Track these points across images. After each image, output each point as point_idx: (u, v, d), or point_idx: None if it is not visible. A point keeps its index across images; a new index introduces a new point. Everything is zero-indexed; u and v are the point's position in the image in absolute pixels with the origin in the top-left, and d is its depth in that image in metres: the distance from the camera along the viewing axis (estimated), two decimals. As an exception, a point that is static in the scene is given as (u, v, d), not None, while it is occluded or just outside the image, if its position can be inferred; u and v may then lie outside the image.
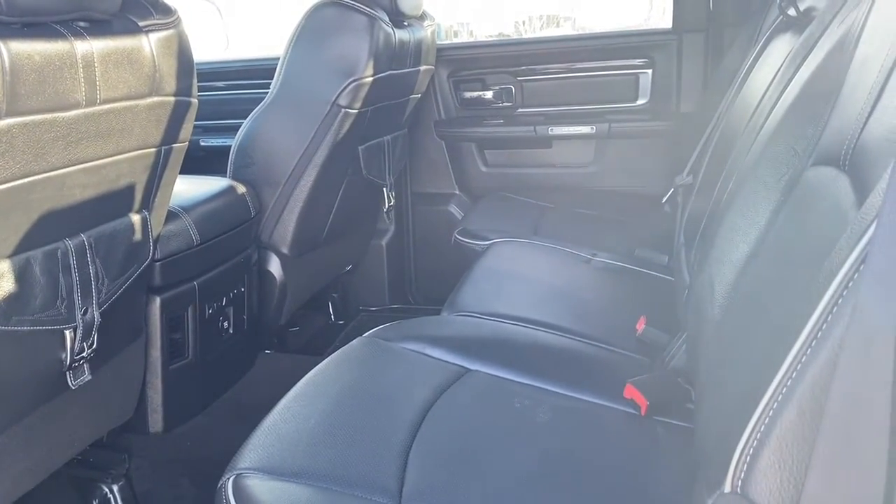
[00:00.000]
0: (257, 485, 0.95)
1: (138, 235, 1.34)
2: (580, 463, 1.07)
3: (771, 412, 0.61)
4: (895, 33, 0.84)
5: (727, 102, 1.69)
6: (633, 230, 2.09)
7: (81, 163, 1.14)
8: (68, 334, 1.20)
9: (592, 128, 2.46)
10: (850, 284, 0.56)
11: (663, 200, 1.84)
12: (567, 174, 2.57)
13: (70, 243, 1.17)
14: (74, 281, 1.18)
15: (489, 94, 2.60)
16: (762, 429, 0.62)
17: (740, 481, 0.63)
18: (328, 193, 2.10)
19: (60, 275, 1.16)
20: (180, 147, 1.42)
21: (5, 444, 1.23)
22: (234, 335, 1.92)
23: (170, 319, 1.67)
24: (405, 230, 2.78)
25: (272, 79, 2.08)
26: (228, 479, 0.96)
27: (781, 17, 1.48)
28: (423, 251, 2.76)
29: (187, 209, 1.68)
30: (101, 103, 1.13)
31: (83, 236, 1.20)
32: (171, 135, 1.35)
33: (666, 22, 2.47)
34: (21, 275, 1.08)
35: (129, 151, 1.24)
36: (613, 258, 1.84)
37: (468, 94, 2.62)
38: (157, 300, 1.62)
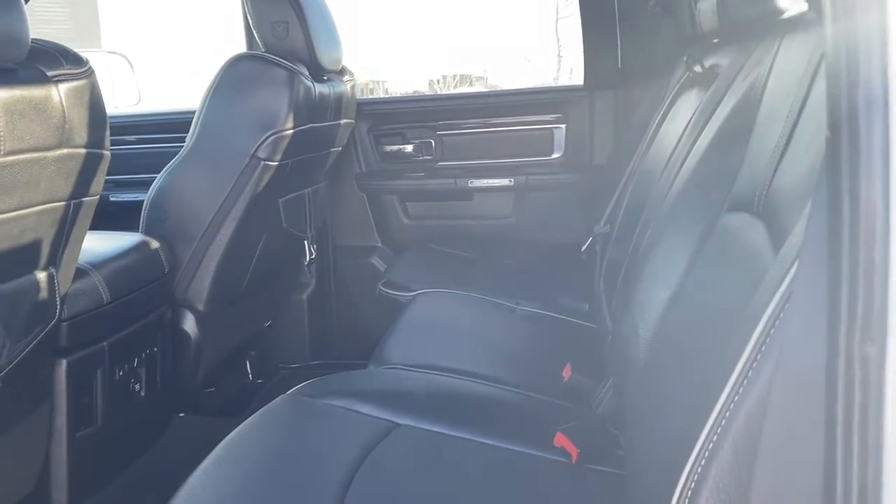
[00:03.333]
0: (176, 557, 0.88)
1: (44, 294, 1.26)
2: (514, 516, 1.06)
3: (707, 452, 0.61)
4: (796, 90, 0.90)
5: (640, 155, 1.76)
6: (554, 279, 2.12)
7: (-18, 217, 1.07)
8: (-37, 402, 1.11)
9: (511, 180, 2.51)
10: (777, 323, 0.58)
11: (582, 249, 1.88)
12: (488, 225, 2.60)
13: (-33, 303, 1.09)
14: (-29, 344, 1.10)
15: (409, 148, 2.62)
16: (699, 469, 0.62)
17: (680, 524, 0.62)
18: (247, 247, 2.05)
19: (-44, 338, 1.07)
20: (91, 201, 1.36)
21: None
22: (147, 398, 1.82)
23: (77, 383, 1.57)
24: (327, 284, 2.74)
25: (186, 132, 2.03)
26: None
27: (688, 73, 1.57)
28: (345, 305, 2.72)
29: (97, 266, 1.60)
30: (4, 155, 1.07)
31: (-18, 296, 1.12)
32: (81, 188, 1.29)
33: (577, 79, 2.57)
34: (-90, 339, 1.00)
35: (35, 205, 1.18)
36: (536, 307, 1.86)
37: (389, 148, 2.64)
38: (64, 363, 1.53)
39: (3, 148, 1.06)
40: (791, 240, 0.63)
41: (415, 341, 1.58)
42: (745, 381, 0.61)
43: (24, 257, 1.22)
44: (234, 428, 1.19)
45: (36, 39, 1.19)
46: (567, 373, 1.45)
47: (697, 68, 1.47)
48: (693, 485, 0.62)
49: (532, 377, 1.47)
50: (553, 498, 1.12)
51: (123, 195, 2.66)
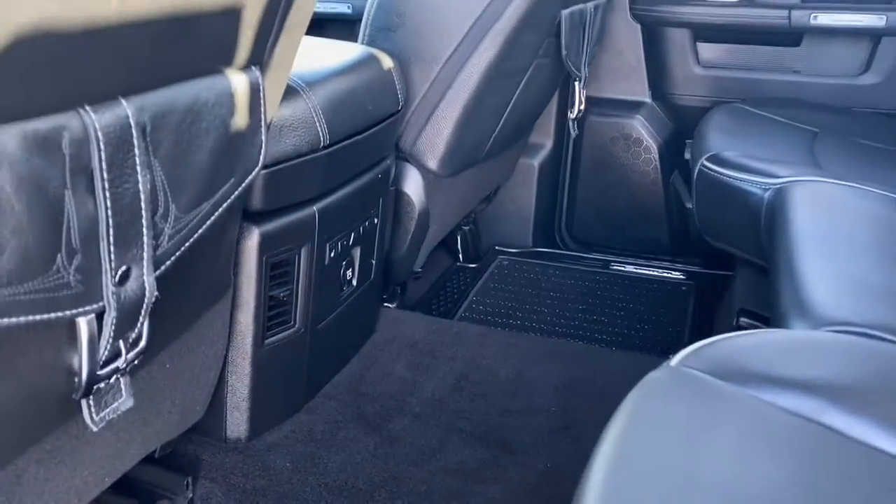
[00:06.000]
0: None
1: (242, 117, 0.65)
2: None
3: None
4: None
5: None
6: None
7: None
8: (83, 327, 0.54)
9: (881, 17, 1.66)
10: None
11: None
12: (824, 86, 1.78)
13: (93, 118, 0.49)
14: (102, 208, 0.51)
15: (716, -40, 1.80)
16: None
17: None
18: (507, 82, 1.38)
19: (69, 194, 0.48)
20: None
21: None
22: (357, 289, 1.26)
23: (272, 266, 1.01)
24: (565, 146, 2.05)
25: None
26: None
27: None
28: (589, 178, 2.03)
29: (313, 84, 0.99)
30: None
31: (125, 104, 0.52)
32: None
33: None
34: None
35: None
36: None
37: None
38: (256, 234, 0.96)
39: None
40: None
41: (851, 279, 0.87)
42: None
43: (207, 43, 0.60)
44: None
45: None
46: None
47: None
48: None
49: None
50: None
51: (321, 4, 2.05)
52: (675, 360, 0.68)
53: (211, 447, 1.09)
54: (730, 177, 1.26)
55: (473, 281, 1.88)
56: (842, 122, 1.64)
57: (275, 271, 1.02)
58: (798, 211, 1.05)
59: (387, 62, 1.18)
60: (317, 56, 1.10)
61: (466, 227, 1.98)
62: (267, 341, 1.06)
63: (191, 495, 1.02)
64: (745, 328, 1.11)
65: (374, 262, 1.29)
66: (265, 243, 0.98)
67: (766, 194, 1.17)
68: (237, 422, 1.08)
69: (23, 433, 0.61)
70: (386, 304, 1.56)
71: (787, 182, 1.17)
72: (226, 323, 0.97)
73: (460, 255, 1.98)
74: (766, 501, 0.52)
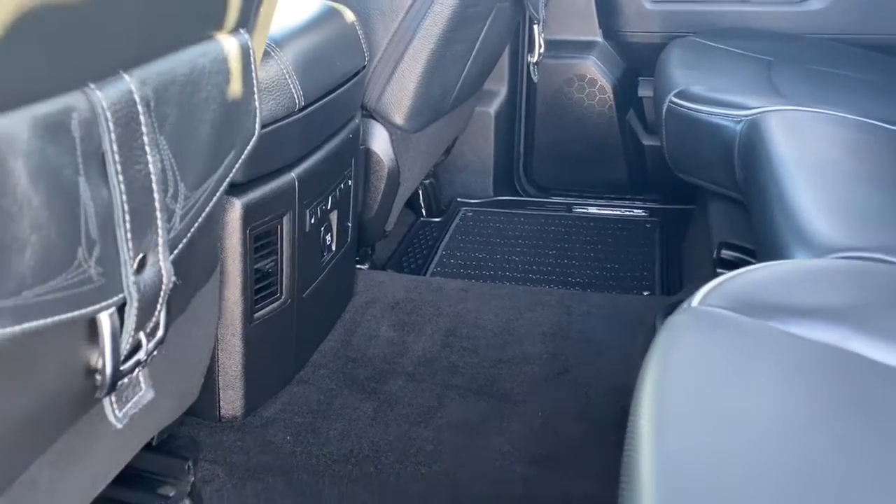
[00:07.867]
0: None
1: (237, 84, 0.61)
2: None
3: None
4: None
5: None
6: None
7: None
8: (105, 322, 0.51)
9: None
10: None
11: None
12: (774, 14, 1.80)
13: (99, 96, 0.45)
14: (116, 193, 0.47)
15: None
16: None
17: None
18: (470, 29, 1.35)
19: (82, 181, 0.44)
20: None
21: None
22: (336, 253, 1.23)
23: (257, 239, 0.98)
24: (520, 93, 2.03)
25: None
26: None
27: None
28: (546, 123, 2.02)
29: (281, 44, 0.94)
30: None
31: (128, 79, 0.48)
32: None
33: None
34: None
35: None
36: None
37: None
38: (238, 206, 0.92)
39: None
40: None
41: (852, 205, 0.89)
42: None
43: (201, 3, 0.56)
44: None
45: None
46: None
47: None
48: None
49: None
50: None
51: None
52: (696, 299, 0.69)
53: (207, 427, 1.06)
54: (701, 111, 1.26)
55: (440, 235, 1.86)
56: (794, 49, 1.66)
57: (258, 243, 0.99)
58: (776, 141, 1.06)
59: (349, 15, 1.13)
60: (282, 13, 1.05)
61: (427, 181, 1.96)
62: (256, 315, 1.02)
63: (192, 478, 0.99)
64: (730, 261, 1.13)
65: (349, 224, 1.26)
66: (248, 215, 0.94)
67: (739, 126, 1.19)
68: (231, 400, 1.05)
69: (39, 438, 0.58)
70: (358, 266, 1.54)
71: (758, 113, 1.18)
72: (216, 300, 0.93)
73: (423, 210, 1.96)
74: (824, 436, 0.53)
